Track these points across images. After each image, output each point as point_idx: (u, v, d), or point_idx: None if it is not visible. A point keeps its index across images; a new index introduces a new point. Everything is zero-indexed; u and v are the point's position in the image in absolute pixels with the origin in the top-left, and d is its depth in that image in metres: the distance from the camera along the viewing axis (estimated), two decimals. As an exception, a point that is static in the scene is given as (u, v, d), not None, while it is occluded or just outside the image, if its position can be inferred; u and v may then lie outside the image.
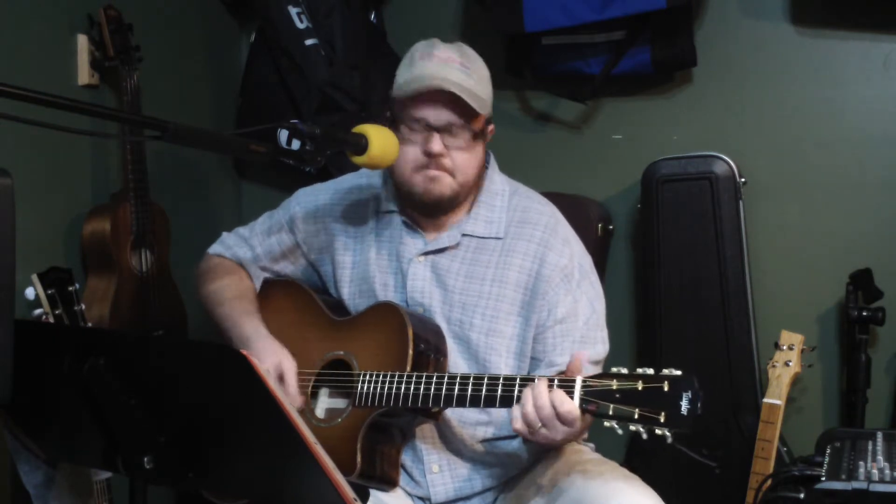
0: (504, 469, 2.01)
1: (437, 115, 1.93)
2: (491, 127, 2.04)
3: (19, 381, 1.37)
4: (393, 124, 1.96)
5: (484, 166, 2.07)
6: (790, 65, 2.72)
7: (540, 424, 1.68)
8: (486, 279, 1.99)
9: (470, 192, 2.03)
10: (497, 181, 2.08)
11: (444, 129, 1.93)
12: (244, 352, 1.38)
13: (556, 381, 1.68)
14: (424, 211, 2.02)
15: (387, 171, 2.06)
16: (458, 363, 1.98)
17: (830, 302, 2.69)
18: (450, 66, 1.94)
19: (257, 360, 1.90)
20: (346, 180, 2.19)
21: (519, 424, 1.70)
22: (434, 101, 1.92)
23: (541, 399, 1.67)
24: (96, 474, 2.01)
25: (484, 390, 1.77)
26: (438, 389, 1.81)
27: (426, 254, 2.02)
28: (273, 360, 1.95)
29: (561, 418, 1.66)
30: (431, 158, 1.94)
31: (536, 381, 1.70)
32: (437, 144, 1.93)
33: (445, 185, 1.96)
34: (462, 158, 1.96)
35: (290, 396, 1.93)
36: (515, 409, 1.71)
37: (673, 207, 2.64)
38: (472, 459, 2.00)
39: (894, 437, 2.23)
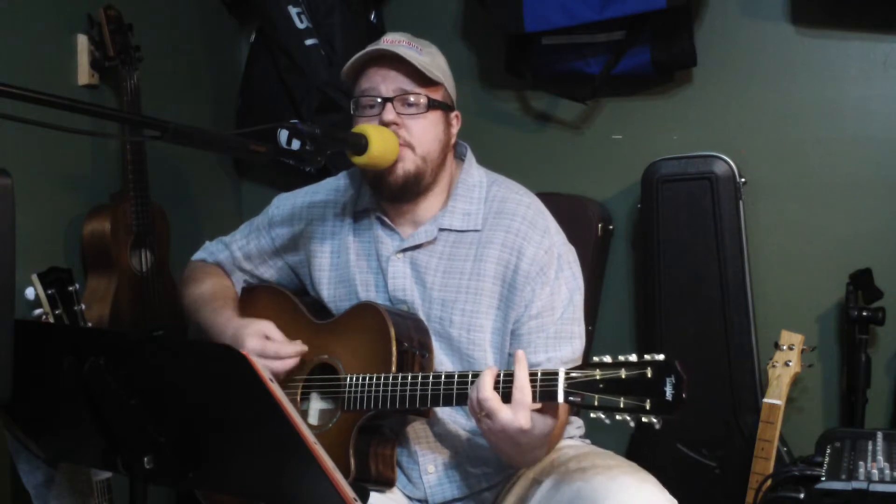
0: (501, 468, 2.00)
1: (386, 82, 1.94)
2: (456, 113, 2.04)
3: (19, 381, 1.37)
4: (352, 114, 1.98)
5: (458, 154, 2.06)
6: (790, 65, 2.72)
7: (480, 411, 1.69)
8: (464, 273, 1.97)
9: (438, 174, 2.00)
10: (474, 174, 2.06)
11: (396, 98, 1.93)
12: (244, 352, 1.38)
13: (539, 375, 1.67)
14: (393, 197, 1.99)
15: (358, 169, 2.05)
16: (441, 361, 1.97)
17: (830, 302, 2.69)
18: (396, 45, 1.96)
19: (241, 338, 1.91)
20: (324, 184, 2.18)
21: (469, 409, 1.73)
22: (382, 70, 1.94)
23: (484, 391, 1.68)
24: (96, 474, 2.01)
25: (470, 387, 1.75)
26: (425, 389, 1.80)
27: (404, 251, 2.01)
28: (254, 328, 1.94)
29: (480, 405, 1.67)
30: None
31: (486, 371, 1.70)
32: (389, 113, 1.92)
33: (408, 160, 1.94)
34: (419, 127, 1.94)
35: (284, 348, 1.92)
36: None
37: (673, 207, 2.64)
38: (469, 459, 1.99)
39: (894, 437, 2.23)
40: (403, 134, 1.93)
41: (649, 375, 1.56)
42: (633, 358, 1.59)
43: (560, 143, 2.93)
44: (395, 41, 1.97)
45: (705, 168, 2.62)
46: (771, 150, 2.74)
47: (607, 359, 1.61)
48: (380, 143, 1.86)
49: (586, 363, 1.64)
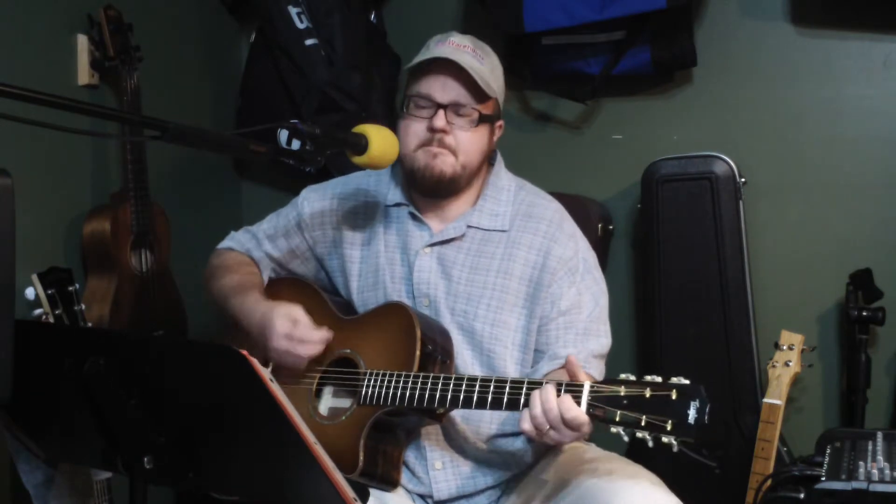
0: (508, 467, 2.01)
1: (444, 90, 1.97)
2: (500, 122, 2.08)
3: (19, 381, 1.37)
4: (404, 101, 2.02)
5: (489, 160, 2.10)
6: (790, 65, 2.72)
7: (548, 427, 1.68)
8: (490, 271, 2.01)
9: (472, 179, 2.05)
10: (503, 177, 2.11)
11: (449, 107, 1.97)
12: (244, 352, 1.38)
13: (563, 386, 1.68)
14: (426, 192, 2.04)
15: None
16: (462, 354, 1.99)
17: (830, 302, 2.69)
18: (462, 51, 1.99)
19: (270, 319, 1.93)
20: (353, 179, 2.20)
21: (527, 425, 1.71)
22: (442, 77, 1.97)
23: (549, 403, 1.67)
24: (96, 474, 2.01)
25: (491, 393, 1.77)
26: (445, 390, 1.81)
27: (432, 245, 2.04)
28: (282, 310, 1.96)
29: (567, 423, 1.66)
30: (435, 135, 1.97)
31: (544, 385, 1.70)
32: (440, 120, 1.96)
33: (447, 163, 1.98)
34: (465, 138, 1.99)
35: (310, 333, 1.94)
36: (524, 411, 1.72)
37: (673, 207, 2.64)
38: (476, 457, 2.00)
39: (894, 437, 2.23)
40: (449, 140, 1.98)
41: (674, 397, 1.57)
42: (659, 379, 1.61)
43: (560, 143, 2.93)
44: (460, 45, 2.00)
45: (705, 168, 2.62)
46: (771, 150, 2.74)
47: (633, 377, 1.63)
48: (380, 143, 1.87)
49: (612, 379, 1.65)
